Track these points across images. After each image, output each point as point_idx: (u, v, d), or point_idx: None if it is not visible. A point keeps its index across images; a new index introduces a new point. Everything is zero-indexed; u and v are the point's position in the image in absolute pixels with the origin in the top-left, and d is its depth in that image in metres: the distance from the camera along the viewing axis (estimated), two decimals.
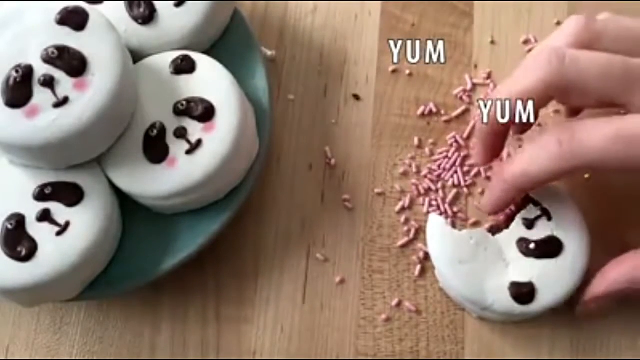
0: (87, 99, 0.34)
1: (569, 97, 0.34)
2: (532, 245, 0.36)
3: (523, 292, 0.36)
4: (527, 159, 0.34)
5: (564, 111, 0.41)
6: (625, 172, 0.33)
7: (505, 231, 0.37)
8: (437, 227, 0.38)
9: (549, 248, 0.36)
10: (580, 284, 0.36)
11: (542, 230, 0.37)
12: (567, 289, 0.36)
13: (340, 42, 0.46)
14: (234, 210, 0.38)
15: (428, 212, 0.41)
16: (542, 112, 0.41)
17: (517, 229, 0.37)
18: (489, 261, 0.37)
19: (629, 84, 0.32)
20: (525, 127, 0.40)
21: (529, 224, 0.37)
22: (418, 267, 0.40)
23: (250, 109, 0.39)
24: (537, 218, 0.37)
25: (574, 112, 0.40)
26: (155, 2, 0.39)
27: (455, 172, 0.42)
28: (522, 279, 0.36)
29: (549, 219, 0.37)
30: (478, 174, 0.42)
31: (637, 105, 0.32)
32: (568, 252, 0.36)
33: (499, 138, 0.37)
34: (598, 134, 0.32)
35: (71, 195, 0.35)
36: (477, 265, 0.36)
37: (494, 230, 0.38)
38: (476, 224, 0.41)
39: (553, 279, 0.36)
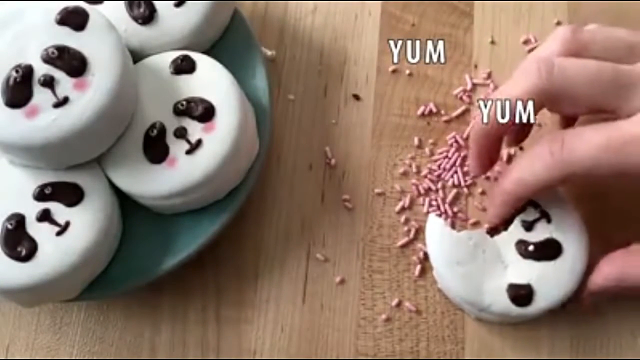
0: (87, 99, 0.34)
1: (560, 105, 0.34)
2: (530, 248, 0.36)
3: (521, 294, 0.36)
4: (522, 168, 0.35)
5: (559, 121, 0.41)
6: (618, 177, 0.33)
7: (504, 233, 0.37)
8: (436, 228, 0.38)
9: (548, 250, 0.36)
10: (579, 286, 0.36)
11: (541, 233, 0.37)
12: (566, 291, 0.36)
13: (340, 42, 0.46)
14: (234, 210, 0.38)
15: (428, 212, 0.41)
16: (541, 112, 0.41)
17: (516, 230, 0.37)
18: (487, 263, 0.37)
19: (617, 90, 0.33)
20: (519, 138, 0.40)
21: (528, 226, 0.37)
22: (418, 267, 0.40)
23: (250, 109, 0.39)
24: (536, 220, 0.37)
25: (568, 122, 0.40)
26: (155, 2, 0.39)
27: (455, 172, 0.42)
28: (521, 280, 0.36)
29: (548, 221, 0.37)
30: None
31: (626, 111, 0.33)
32: (567, 255, 0.36)
33: (494, 144, 0.37)
34: (589, 142, 0.32)
35: (71, 195, 0.35)
36: (476, 266, 0.36)
37: (493, 231, 0.38)
38: (476, 224, 0.41)
39: (551, 281, 0.36)
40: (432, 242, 0.38)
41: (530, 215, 0.37)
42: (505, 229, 0.37)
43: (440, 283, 0.39)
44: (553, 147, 0.33)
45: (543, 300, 0.36)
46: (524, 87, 0.34)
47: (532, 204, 0.37)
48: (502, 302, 0.36)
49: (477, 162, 0.38)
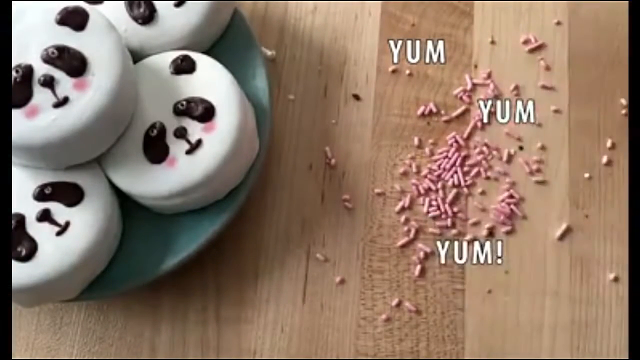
0: (87, 99, 0.34)
1: None
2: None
3: None
4: None
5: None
6: None
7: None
8: None
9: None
10: None
11: None
12: None
13: (340, 42, 0.46)
14: (234, 210, 0.38)
15: (428, 212, 0.41)
16: (542, 112, 0.41)
17: None
18: None
19: None
20: None
21: None
22: (418, 267, 0.40)
23: (250, 109, 0.39)
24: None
25: None
26: (155, 2, 0.39)
27: (455, 172, 0.42)
28: None
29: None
30: (478, 174, 0.42)
31: None
32: None
33: None
34: None
35: (71, 195, 0.35)
36: None
37: None
38: (476, 224, 0.41)
39: None
40: None
41: None
42: None
43: None
44: None
45: None
46: None
47: None
48: None
49: None
